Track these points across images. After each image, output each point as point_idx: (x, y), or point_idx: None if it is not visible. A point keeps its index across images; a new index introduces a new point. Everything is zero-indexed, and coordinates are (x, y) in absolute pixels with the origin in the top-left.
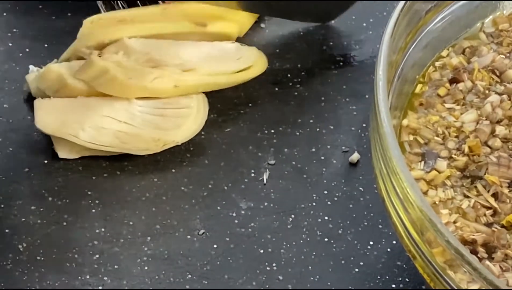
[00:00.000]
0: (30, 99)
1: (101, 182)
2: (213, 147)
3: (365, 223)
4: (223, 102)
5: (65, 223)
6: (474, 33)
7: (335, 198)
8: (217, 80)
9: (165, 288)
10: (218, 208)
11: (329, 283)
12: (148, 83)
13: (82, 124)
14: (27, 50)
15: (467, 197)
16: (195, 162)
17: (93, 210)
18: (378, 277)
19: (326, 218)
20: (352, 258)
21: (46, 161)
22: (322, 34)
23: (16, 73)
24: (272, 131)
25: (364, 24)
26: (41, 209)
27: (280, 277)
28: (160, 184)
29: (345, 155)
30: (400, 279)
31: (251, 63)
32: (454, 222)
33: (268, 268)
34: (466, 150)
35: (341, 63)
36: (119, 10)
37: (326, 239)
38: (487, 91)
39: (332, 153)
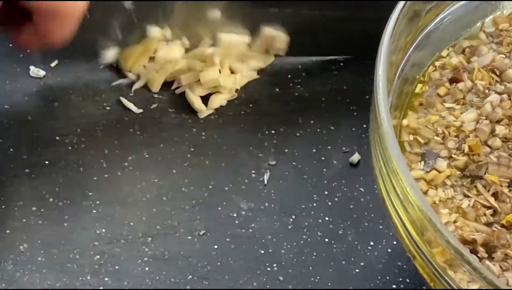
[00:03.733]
0: (31, 100)
1: (102, 183)
2: (213, 148)
3: (366, 224)
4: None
5: (65, 224)
6: (474, 33)
7: (336, 199)
8: None
9: (165, 288)
10: (219, 208)
11: (329, 284)
12: None
13: None
14: (28, 50)
15: (467, 196)
16: (195, 162)
17: (94, 211)
18: (379, 277)
19: (327, 218)
20: (352, 259)
21: (47, 162)
22: None
23: (17, 74)
24: (273, 131)
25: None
26: (42, 210)
27: (281, 278)
28: (160, 184)
29: (346, 156)
30: (401, 279)
31: None
32: (454, 221)
33: (268, 269)
34: (466, 149)
35: (341, 64)
36: None
37: (326, 240)
38: (487, 91)
39: (332, 154)
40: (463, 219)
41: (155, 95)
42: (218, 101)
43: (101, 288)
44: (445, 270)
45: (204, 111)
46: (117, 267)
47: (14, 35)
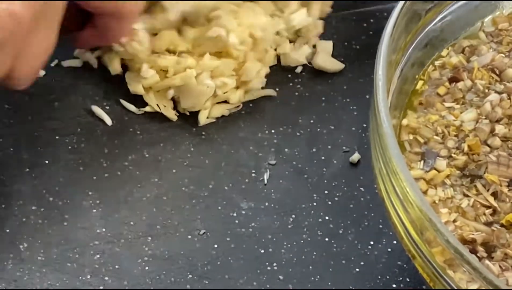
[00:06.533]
0: (31, 99)
1: (102, 182)
2: (213, 147)
3: (366, 223)
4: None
5: (65, 223)
6: (473, 33)
7: (336, 198)
8: None
9: (166, 288)
10: (219, 208)
11: (329, 283)
12: None
13: None
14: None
15: (467, 196)
16: (195, 162)
17: (94, 210)
18: (379, 277)
19: (327, 218)
20: (352, 258)
21: (47, 161)
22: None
23: None
24: (273, 131)
25: (365, 24)
26: (42, 209)
27: (281, 277)
28: (160, 184)
29: (346, 155)
30: (401, 279)
31: None
32: (454, 221)
33: (268, 268)
34: (466, 149)
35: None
36: None
37: (326, 239)
38: (486, 90)
39: (332, 153)
40: (462, 219)
41: None
42: (221, 110)
43: (101, 287)
44: (445, 269)
45: (204, 120)
46: (117, 266)
47: (74, 36)
